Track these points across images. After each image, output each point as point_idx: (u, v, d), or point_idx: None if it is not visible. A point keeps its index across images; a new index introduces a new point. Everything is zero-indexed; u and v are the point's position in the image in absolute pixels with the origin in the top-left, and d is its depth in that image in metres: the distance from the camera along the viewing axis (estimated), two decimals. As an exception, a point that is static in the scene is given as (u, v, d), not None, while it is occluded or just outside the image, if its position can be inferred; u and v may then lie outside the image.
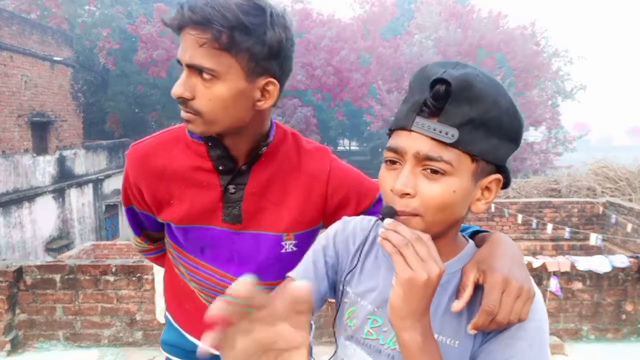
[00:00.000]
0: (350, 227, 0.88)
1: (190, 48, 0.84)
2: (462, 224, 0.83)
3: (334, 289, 0.87)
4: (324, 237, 0.90)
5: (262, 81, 0.90)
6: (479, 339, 0.70)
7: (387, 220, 0.67)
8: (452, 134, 0.64)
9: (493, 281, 0.67)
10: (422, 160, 0.66)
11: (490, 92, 0.65)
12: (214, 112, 0.88)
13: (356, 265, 0.83)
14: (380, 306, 0.77)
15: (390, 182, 0.69)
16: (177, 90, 0.87)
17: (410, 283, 0.62)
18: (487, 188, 0.70)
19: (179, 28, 0.86)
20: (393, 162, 0.70)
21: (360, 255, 0.82)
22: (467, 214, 0.71)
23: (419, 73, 0.70)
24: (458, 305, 0.68)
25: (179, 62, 0.89)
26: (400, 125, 0.68)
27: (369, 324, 0.78)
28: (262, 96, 0.92)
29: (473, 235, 0.82)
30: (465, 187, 0.66)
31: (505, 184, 0.72)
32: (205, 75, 0.85)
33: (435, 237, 0.70)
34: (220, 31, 0.82)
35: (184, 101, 0.88)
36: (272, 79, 0.91)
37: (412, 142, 0.66)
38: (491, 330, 0.68)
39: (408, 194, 0.67)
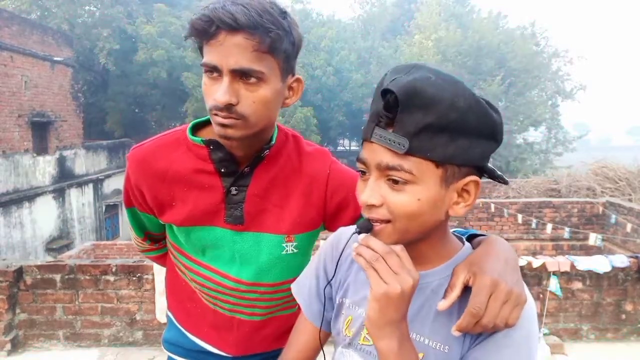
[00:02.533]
0: (343, 240, 0.88)
1: (235, 53, 0.84)
2: (459, 229, 0.83)
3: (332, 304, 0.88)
4: (316, 257, 0.92)
5: (290, 80, 0.95)
6: (467, 344, 0.70)
7: (361, 235, 0.68)
8: (403, 144, 0.62)
9: (481, 283, 0.66)
10: (384, 170, 0.65)
11: (445, 95, 0.62)
12: (258, 113, 0.89)
13: (333, 277, 0.85)
14: None
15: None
16: (224, 97, 0.85)
17: (385, 297, 0.63)
18: (465, 190, 0.67)
19: (213, 34, 0.84)
20: (364, 173, 0.70)
21: (337, 267, 0.84)
22: (447, 218, 0.70)
23: (380, 80, 0.69)
24: (444, 304, 0.68)
25: (212, 69, 0.86)
26: (364, 136, 0.69)
27: (364, 330, 0.79)
28: (288, 94, 0.97)
29: (471, 238, 0.82)
30: (432, 194, 0.65)
31: (500, 179, 0.71)
32: (251, 79, 0.86)
33: (418, 242, 0.71)
34: (268, 34, 0.84)
35: (228, 107, 0.87)
36: (298, 77, 0.97)
37: (373, 153, 0.66)
38: (479, 335, 0.68)
39: (374, 205, 0.67)
